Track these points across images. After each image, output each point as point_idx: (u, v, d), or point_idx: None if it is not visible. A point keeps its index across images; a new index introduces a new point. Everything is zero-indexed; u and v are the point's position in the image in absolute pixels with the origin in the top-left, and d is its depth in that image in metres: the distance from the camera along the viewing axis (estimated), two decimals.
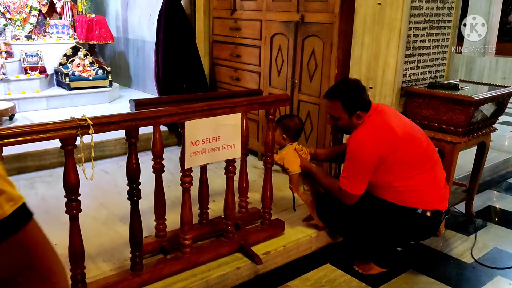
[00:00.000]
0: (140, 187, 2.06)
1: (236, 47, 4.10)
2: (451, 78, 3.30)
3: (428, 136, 2.48)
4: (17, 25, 5.39)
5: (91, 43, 5.55)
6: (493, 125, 3.05)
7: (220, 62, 4.36)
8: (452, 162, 2.73)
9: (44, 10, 5.62)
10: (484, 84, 3.18)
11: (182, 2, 4.26)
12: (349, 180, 2.31)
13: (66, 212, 1.87)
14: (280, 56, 3.66)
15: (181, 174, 2.17)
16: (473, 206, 3.21)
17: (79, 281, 1.95)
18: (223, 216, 2.48)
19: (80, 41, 5.50)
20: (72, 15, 5.68)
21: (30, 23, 5.50)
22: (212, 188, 2.65)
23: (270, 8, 3.68)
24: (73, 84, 5.09)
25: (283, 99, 2.56)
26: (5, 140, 1.63)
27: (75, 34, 5.64)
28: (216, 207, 2.88)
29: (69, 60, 5.29)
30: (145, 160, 2.32)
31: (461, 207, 3.23)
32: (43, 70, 5.18)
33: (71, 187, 1.83)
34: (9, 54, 5.09)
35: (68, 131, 1.74)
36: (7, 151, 1.73)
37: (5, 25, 5.28)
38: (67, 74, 5.09)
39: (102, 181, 3.39)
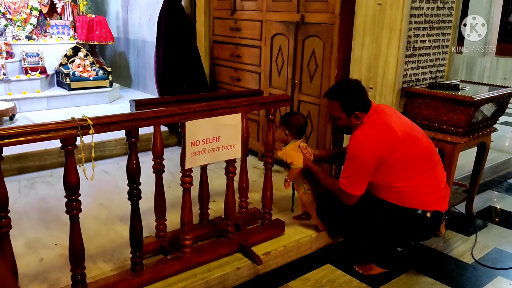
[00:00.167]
0: (140, 187, 2.06)
1: (237, 47, 4.10)
2: (451, 79, 3.30)
3: (428, 136, 2.47)
4: (18, 26, 5.40)
5: (91, 43, 5.56)
6: (494, 126, 3.05)
7: (221, 62, 4.36)
8: (453, 162, 2.73)
9: (45, 10, 5.62)
10: (484, 84, 3.18)
11: (183, 3, 4.26)
12: (349, 180, 2.30)
13: (67, 212, 1.87)
14: (280, 57, 3.66)
15: (181, 174, 2.17)
16: (474, 206, 3.21)
17: (79, 281, 1.95)
18: (223, 216, 2.48)
19: (81, 42, 5.51)
20: (73, 16, 5.69)
21: (31, 24, 5.50)
22: (212, 188, 2.65)
23: (271, 8, 3.68)
24: (74, 85, 5.10)
25: (284, 99, 2.56)
26: (6, 140, 1.63)
27: (76, 34, 5.64)
28: (216, 207, 2.88)
29: (70, 61, 5.30)
30: (146, 160, 2.32)
31: (461, 208, 3.23)
32: (43, 71, 5.19)
33: (72, 187, 1.83)
34: (10, 55, 5.10)
35: (68, 131, 1.75)
36: (8, 151, 1.73)
37: (6, 26, 5.28)
38: (67, 75, 5.10)
39: (103, 181, 3.39)
